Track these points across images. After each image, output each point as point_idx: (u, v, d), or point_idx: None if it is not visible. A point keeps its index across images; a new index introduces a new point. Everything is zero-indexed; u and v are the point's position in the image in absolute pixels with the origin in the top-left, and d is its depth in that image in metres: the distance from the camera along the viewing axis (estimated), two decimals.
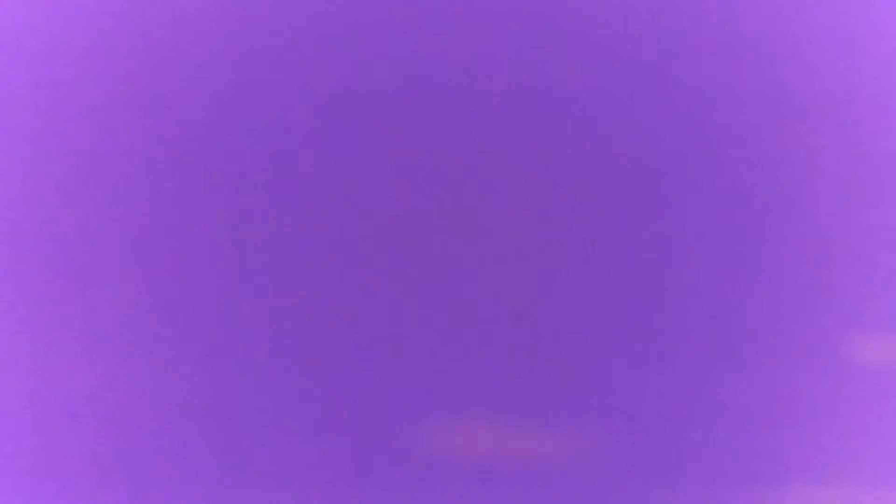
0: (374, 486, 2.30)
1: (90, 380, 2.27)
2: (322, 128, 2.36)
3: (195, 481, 2.29)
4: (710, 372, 2.82)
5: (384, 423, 2.33)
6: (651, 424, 2.59)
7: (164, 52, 2.27)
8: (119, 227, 2.29)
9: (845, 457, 2.81)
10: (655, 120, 2.85)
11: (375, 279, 2.41)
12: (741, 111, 2.87)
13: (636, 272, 2.81)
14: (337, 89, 2.40)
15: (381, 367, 2.36)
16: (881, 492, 2.73)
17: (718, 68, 2.87)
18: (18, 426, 2.26)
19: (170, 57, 2.28)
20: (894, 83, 2.82)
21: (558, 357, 2.47)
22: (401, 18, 2.55)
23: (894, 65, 2.81)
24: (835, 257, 2.92)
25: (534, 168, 2.79)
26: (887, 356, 2.80)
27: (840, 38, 2.82)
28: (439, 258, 2.40)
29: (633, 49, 2.85)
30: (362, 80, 2.42)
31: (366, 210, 2.35)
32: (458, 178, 2.40)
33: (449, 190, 2.45)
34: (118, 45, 2.29)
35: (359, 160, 2.37)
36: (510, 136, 2.81)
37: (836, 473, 2.76)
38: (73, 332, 2.31)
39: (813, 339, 2.91)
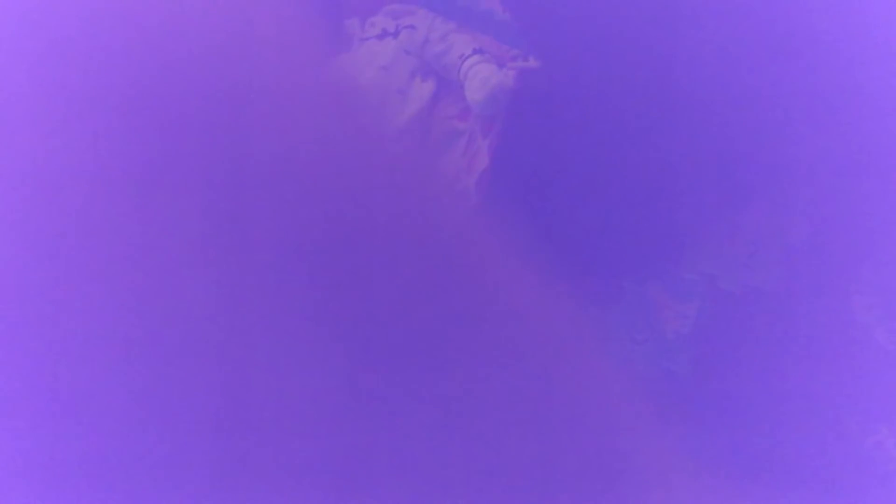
0: (374, 486, 2.29)
1: (89, 380, 2.27)
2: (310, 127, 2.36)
3: (194, 481, 2.28)
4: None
5: (384, 422, 2.33)
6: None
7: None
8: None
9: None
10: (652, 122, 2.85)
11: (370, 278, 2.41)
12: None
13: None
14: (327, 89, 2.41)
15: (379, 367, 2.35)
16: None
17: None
18: (18, 426, 2.26)
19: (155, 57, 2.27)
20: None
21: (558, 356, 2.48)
22: None
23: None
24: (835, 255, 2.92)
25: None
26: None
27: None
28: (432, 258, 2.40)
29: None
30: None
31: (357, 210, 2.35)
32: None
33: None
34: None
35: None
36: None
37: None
38: (73, 332, 2.30)
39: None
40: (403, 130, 2.89)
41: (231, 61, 2.39)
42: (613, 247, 2.91)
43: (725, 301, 2.95)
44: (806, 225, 2.95)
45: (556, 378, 2.51)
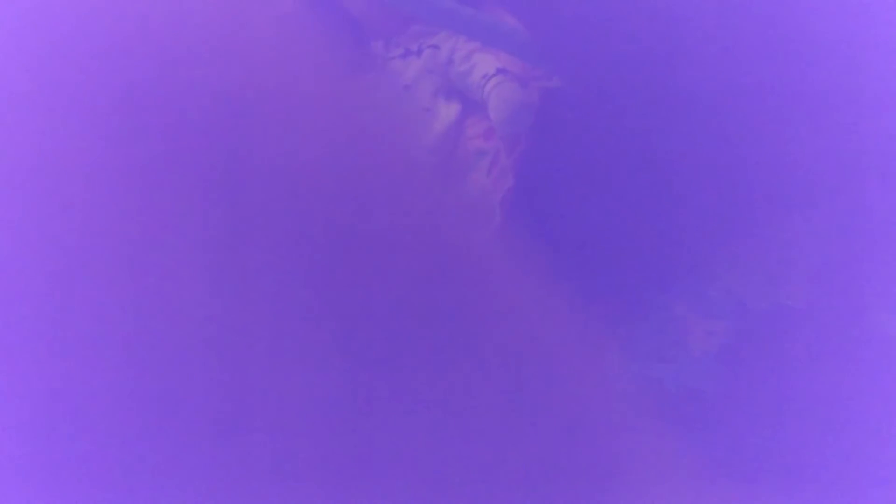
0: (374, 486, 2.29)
1: (89, 380, 2.27)
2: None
3: (194, 481, 2.28)
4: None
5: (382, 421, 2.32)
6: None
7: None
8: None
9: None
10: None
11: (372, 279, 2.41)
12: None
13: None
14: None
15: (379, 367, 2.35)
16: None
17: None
18: (18, 426, 2.27)
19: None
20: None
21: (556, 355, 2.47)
22: None
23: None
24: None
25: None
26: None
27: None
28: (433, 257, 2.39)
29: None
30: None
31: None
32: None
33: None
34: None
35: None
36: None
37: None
38: (73, 332, 2.31)
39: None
40: (427, 150, 2.90)
41: (255, 79, 2.41)
42: (640, 265, 2.90)
43: (754, 319, 2.94)
44: (834, 240, 2.94)
45: (579, 397, 2.50)
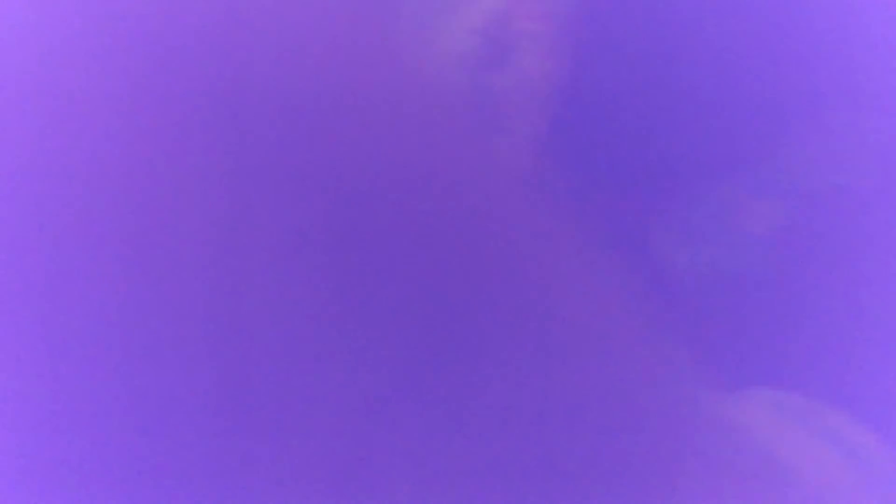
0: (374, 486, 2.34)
1: (89, 380, 2.32)
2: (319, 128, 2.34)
3: (193, 482, 2.34)
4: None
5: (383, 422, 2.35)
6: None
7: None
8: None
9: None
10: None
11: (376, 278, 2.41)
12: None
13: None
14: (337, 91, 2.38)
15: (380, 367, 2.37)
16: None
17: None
18: (18, 426, 2.33)
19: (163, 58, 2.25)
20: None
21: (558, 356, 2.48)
22: None
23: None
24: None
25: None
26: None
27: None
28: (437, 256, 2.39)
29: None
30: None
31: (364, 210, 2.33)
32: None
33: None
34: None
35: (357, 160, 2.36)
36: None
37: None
38: (73, 332, 2.34)
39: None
40: (471, 33, 2.84)
41: (300, 66, 2.37)
42: (696, 147, 2.85)
43: (806, 200, 2.87)
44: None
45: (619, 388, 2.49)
